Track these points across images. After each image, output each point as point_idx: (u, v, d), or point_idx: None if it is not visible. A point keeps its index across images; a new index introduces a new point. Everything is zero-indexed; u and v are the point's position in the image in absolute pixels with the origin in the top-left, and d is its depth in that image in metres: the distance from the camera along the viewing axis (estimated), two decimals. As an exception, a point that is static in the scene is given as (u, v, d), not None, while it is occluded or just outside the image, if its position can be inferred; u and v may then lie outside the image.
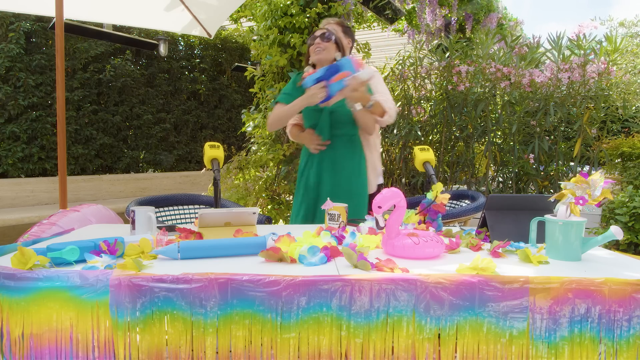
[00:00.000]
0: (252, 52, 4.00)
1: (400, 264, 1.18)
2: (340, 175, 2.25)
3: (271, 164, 3.82)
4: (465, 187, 4.50)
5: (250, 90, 4.07)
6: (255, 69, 4.05)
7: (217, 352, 1.01)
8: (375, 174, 2.39)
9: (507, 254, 1.34)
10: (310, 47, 2.22)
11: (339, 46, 2.20)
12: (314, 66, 2.26)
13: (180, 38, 6.40)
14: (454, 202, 3.00)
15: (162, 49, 5.81)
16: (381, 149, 2.36)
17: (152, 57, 6.02)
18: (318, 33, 2.20)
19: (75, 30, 4.66)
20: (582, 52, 3.75)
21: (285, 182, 3.78)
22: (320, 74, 2.05)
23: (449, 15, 5.65)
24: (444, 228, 1.68)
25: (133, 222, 1.53)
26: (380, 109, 2.19)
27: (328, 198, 1.93)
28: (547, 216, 1.33)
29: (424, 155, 1.98)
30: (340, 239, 1.45)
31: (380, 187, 2.40)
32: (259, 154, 3.90)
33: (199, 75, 6.54)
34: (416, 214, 1.65)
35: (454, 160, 4.45)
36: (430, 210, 1.66)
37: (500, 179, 4.34)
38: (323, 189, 2.26)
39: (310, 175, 2.30)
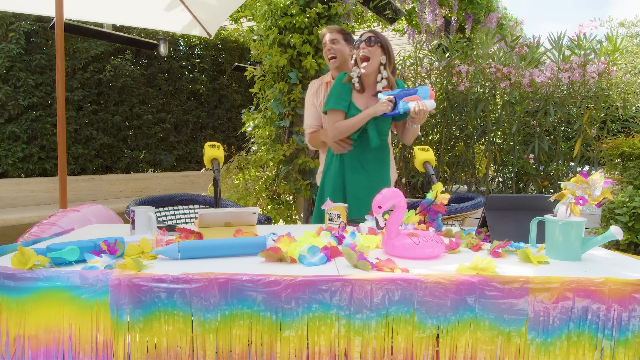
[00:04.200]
0: (252, 52, 4.00)
1: (400, 264, 1.18)
2: (366, 179, 2.27)
3: (271, 164, 3.82)
4: (465, 187, 4.50)
5: (250, 90, 4.07)
6: (255, 69, 4.05)
7: (217, 352, 1.01)
8: (393, 173, 2.49)
9: (507, 254, 1.34)
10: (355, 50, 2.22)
11: (384, 48, 2.19)
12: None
13: (180, 38, 6.39)
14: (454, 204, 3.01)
15: (162, 49, 5.81)
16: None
17: (152, 57, 6.02)
18: (364, 37, 2.19)
19: (75, 30, 4.66)
20: (582, 52, 3.75)
21: (285, 182, 3.78)
22: (394, 93, 2.15)
23: (449, 15, 5.65)
24: (444, 228, 1.68)
25: (133, 222, 1.53)
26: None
27: (328, 198, 1.93)
28: (547, 216, 1.32)
29: (424, 155, 1.98)
30: (340, 239, 1.45)
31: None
32: (259, 154, 3.90)
33: (199, 75, 6.54)
34: (416, 214, 1.65)
35: (454, 160, 4.45)
36: (430, 210, 1.66)
37: (500, 179, 4.34)
38: (349, 190, 2.27)
39: (335, 176, 2.31)
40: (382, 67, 2.20)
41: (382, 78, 2.21)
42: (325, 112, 2.30)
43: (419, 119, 2.12)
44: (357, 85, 2.20)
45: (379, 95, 2.16)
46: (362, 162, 2.27)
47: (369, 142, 2.23)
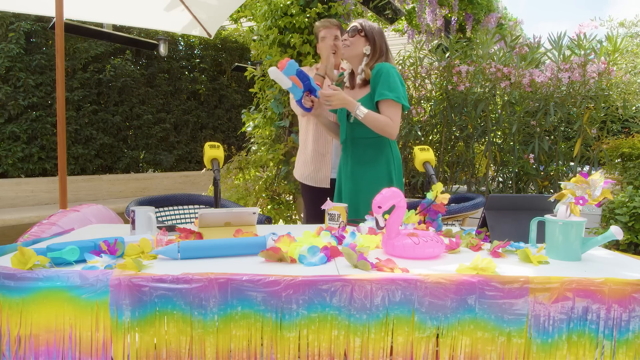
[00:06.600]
0: (252, 52, 4.00)
1: (400, 264, 1.18)
2: (360, 181, 2.16)
3: (271, 164, 3.82)
4: (465, 187, 4.50)
5: (250, 90, 4.07)
6: (255, 69, 4.05)
7: (216, 352, 1.01)
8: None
9: (507, 254, 1.34)
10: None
11: (368, 38, 2.11)
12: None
13: (180, 38, 6.39)
14: (454, 204, 3.00)
15: (162, 49, 5.81)
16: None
17: (152, 57, 6.02)
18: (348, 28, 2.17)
19: (75, 30, 4.66)
20: (582, 52, 3.74)
21: (285, 182, 3.78)
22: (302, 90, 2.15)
23: (449, 15, 5.65)
24: (444, 228, 1.68)
25: (133, 222, 1.53)
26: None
27: (328, 198, 1.93)
28: (547, 216, 1.32)
29: (424, 155, 1.98)
30: (340, 239, 1.45)
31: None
32: (259, 154, 3.90)
33: (199, 75, 6.54)
34: (416, 214, 1.65)
35: (454, 160, 4.45)
36: (430, 210, 1.66)
37: (500, 179, 4.34)
38: (344, 195, 2.23)
39: (337, 176, 2.32)
40: (365, 59, 2.11)
41: (361, 71, 2.12)
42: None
43: (335, 105, 2.05)
44: (347, 83, 2.21)
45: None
46: (353, 164, 2.21)
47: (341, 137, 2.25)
